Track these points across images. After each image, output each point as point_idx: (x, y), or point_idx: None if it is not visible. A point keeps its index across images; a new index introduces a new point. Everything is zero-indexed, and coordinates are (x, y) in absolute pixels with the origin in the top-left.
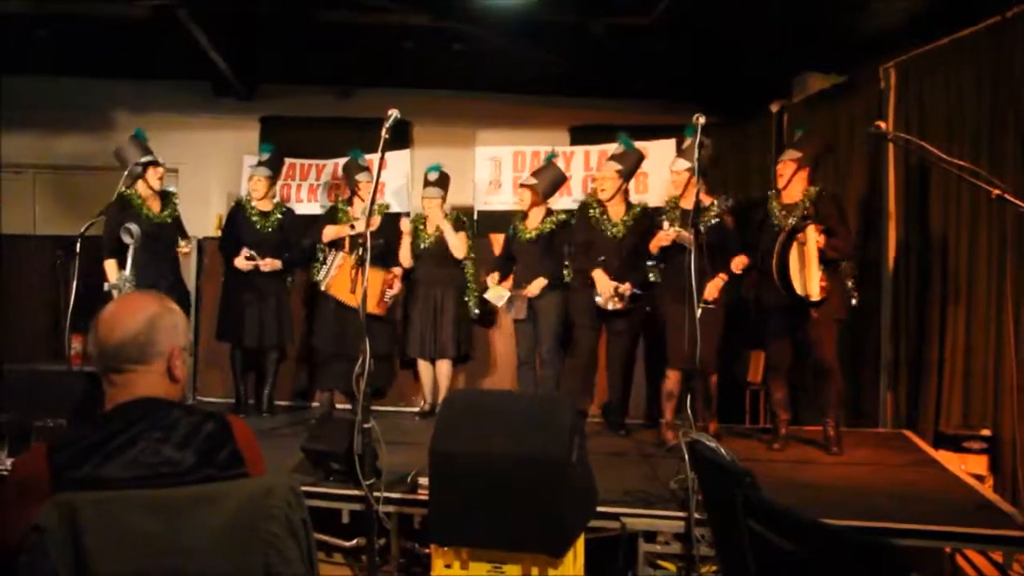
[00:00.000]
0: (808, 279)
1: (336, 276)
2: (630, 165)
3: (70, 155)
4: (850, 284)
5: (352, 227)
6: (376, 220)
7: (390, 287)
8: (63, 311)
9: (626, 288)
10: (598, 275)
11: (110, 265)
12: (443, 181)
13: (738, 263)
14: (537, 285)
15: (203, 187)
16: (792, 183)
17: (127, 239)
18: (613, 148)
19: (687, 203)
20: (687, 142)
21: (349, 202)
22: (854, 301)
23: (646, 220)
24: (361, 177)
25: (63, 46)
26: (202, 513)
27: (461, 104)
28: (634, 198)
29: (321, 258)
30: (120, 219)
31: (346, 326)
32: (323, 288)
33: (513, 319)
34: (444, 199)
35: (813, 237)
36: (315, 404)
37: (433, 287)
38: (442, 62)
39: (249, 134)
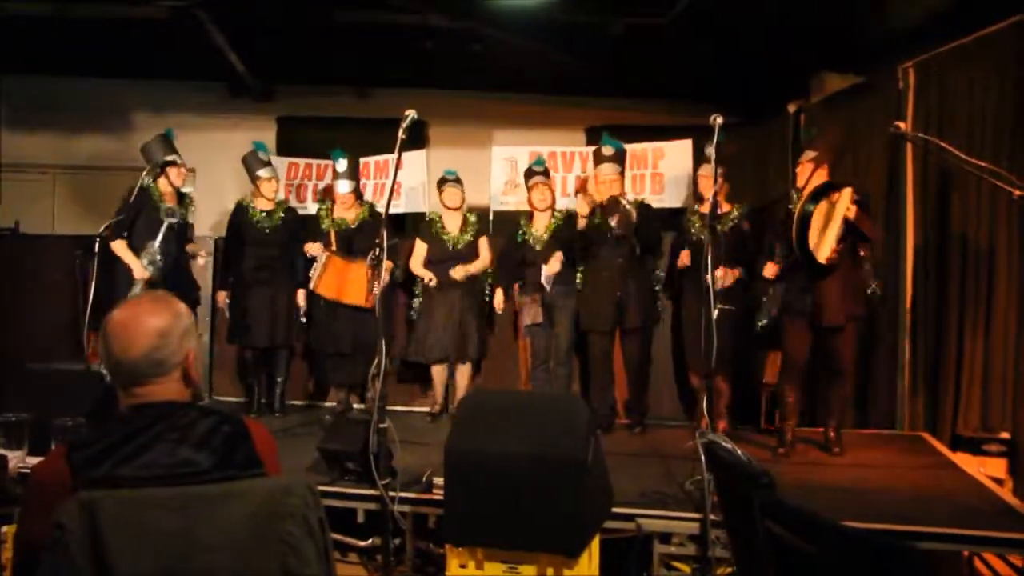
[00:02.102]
0: (823, 240)
1: (323, 275)
2: (624, 163)
3: (89, 155)
4: (869, 273)
5: (324, 249)
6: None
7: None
8: (81, 310)
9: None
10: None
11: (120, 246)
12: (460, 181)
13: (771, 270)
14: (557, 259)
15: (219, 188)
16: (811, 181)
17: (169, 218)
18: (603, 150)
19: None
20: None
21: (333, 203)
22: (869, 291)
23: (645, 214)
24: (338, 186)
25: (81, 47)
26: (220, 511)
27: (478, 104)
28: (636, 197)
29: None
30: (137, 208)
31: (339, 323)
32: (311, 287)
33: (527, 324)
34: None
35: (846, 200)
36: (329, 404)
37: (451, 290)
38: (459, 62)
39: (266, 135)
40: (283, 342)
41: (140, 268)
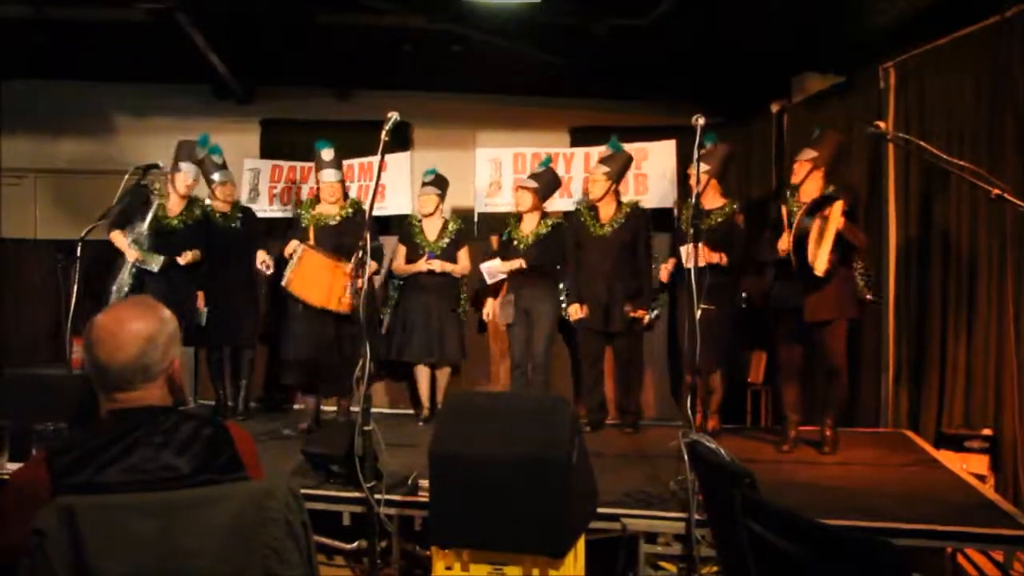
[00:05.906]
0: (818, 252)
1: (296, 272)
2: (618, 167)
3: (70, 159)
4: (861, 283)
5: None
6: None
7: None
8: (64, 315)
9: (642, 313)
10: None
11: (116, 235)
12: (439, 182)
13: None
14: (510, 264)
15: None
16: (807, 182)
17: (140, 265)
18: (601, 150)
19: (707, 203)
20: (708, 148)
21: (317, 200)
22: (868, 297)
23: (637, 218)
24: (324, 176)
25: (62, 50)
26: (201, 516)
27: (461, 106)
28: (630, 199)
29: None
30: (136, 206)
31: (314, 327)
32: (283, 284)
33: (504, 325)
34: (441, 198)
35: (838, 214)
36: (298, 407)
37: (430, 292)
38: (442, 64)
39: (249, 137)
40: (246, 342)
41: (133, 252)
